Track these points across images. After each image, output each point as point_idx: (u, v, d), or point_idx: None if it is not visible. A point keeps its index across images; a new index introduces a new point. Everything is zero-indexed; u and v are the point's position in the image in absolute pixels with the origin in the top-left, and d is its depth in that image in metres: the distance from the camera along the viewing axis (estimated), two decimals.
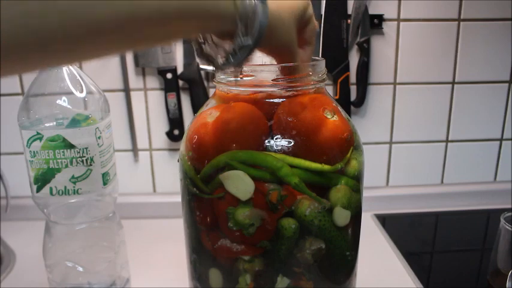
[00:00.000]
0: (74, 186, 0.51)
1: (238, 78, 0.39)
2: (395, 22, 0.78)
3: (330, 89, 0.80)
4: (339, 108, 0.44)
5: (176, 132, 0.80)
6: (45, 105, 0.51)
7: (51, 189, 0.51)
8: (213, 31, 0.33)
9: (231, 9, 0.31)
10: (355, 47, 0.79)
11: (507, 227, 0.53)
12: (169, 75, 0.77)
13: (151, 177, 0.84)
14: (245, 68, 0.40)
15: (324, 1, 0.76)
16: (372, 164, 0.84)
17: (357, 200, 0.43)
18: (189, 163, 0.42)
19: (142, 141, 0.82)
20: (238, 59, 0.33)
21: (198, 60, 0.37)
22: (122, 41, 0.28)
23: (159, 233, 0.77)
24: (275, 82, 0.40)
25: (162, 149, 0.83)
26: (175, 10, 0.28)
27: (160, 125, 0.81)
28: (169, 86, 0.78)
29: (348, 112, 0.81)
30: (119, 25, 0.26)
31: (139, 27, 0.27)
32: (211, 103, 0.45)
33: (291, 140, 0.39)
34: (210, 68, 0.76)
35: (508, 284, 0.49)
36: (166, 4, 0.28)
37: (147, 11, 0.27)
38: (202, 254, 0.45)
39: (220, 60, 0.35)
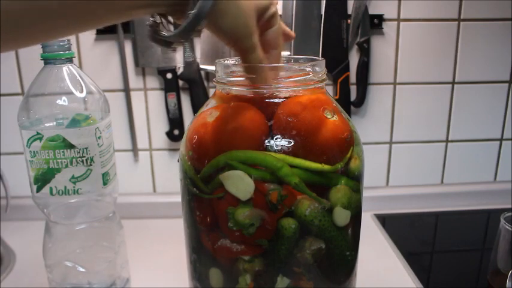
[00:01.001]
0: (74, 186, 0.51)
1: (189, 57, 0.38)
2: (395, 22, 0.78)
3: (330, 89, 0.80)
4: (339, 108, 0.44)
5: (176, 132, 0.80)
6: (45, 105, 0.51)
7: (51, 189, 0.51)
8: (165, 5, 0.33)
9: None
10: (355, 47, 0.79)
11: (507, 227, 0.53)
12: (169, 75, 0.77)
13: (151, 177, 0.84)
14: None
15: (324, 1, 0.76)
16: (372, 164, 0.84)
17: (357, 200, 0.43)
18: (189, 163, 0.42)
19: (142, 141, 0.82)
20: (183, 28, 0.33)
21: (151, 40, 0.37)
22: (72, 19, 0.29)
23: (159, 233, 0.77)
24: (275, 82, 0.40)
25: (162, 149, 0.83)
26: None
27: (160, 125, 0.81)
28: (169, 86, 0.78)
29: (348, 112, 0.81)
30: (64, 5, 0.27)
31: (88, 4, 0.28)
32: (211, 103, 0.45)
33: (291, 140, 0.39)
34: (209, 67, 0.77)
35: (508, 284, 0.49)
36: None
37: None
38: (202, 254, 0.45)
39: (168, 33, 0.35)
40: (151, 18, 0.36)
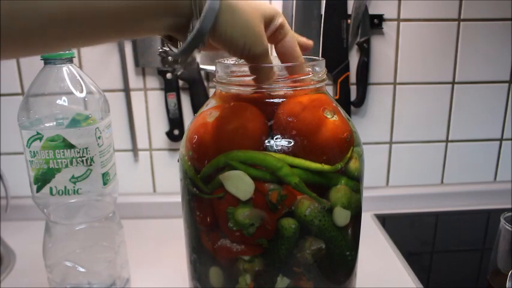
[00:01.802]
0: (74, 186, 0.51)
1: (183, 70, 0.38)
2: (395, 22, 0.78)
3: (330, 89, 0.80)
4: (339, 108, 0.44)
5: (176, 132, 0.80)
6: (45, 105, 0.51)
7: (51, 189, 0.51)
8: (171, 21, 0.33)
9: None
10: (355, 47, 0.79)
11: (507, 227, 0.53)
12: (169, 75, 0.77)
13: (151, 177, 0.84)
14: (245, 68, 0.40)
15: (324, 1, 0.76)
16: (372, 164, 0.84)
17: (357, 200, 0.43)
18: (189, 163, 0.42)
19: (142, 141, 0.82)
20: (186, 44, 0.33)
21: (162, 65, 0.37)
22: (78, 33, 0.29)
23: (159, 233, 0.77)
24: (275, 82, 0.40)
25: (162, 149, 0.83)
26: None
27: (160, 125, 0.81)
28: (169, 86, 0.78)
29: (348, 112, 0.81)
30: (70, 18, 0.27)
31: (92, 20, 0.28)
32: (211, 103, 0.45)
33: (291, 140, 0.39)
34: (210, 68, 0.77)
35: (508, 284, 0.49)
36: None
37: (97, 6, 0.28)
38: (202, 254, 0.45)
39: (174, 50, 0.35)
40: (160, 49, 0.36)
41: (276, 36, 0.40)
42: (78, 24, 0.28)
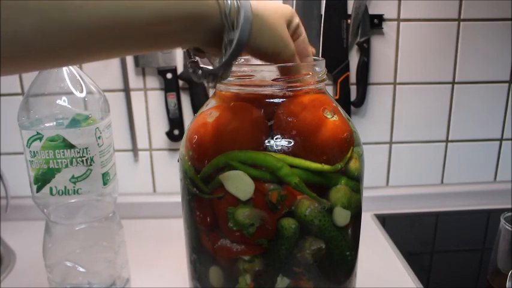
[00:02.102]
0: (74, 186, 0.51)
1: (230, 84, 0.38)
2: (395, 22, 0.78)
3: (330, 89, 0.80)
4: (339, 108, 0.44)
5: (176, 132, 0.80)
6: (45, 105, 0.51)
7: (51, 189, 0.51)
8: (199, 35, 0.32)
9: (215, 8, 0.31)
10: (355, 47, 0.79)
11: (507, 227, 0.53)
12: (169, 75, 0.77)
13: (151, 177, 0.84)
14: (245, 68, 0.40)
15: (324, 1, 0.76)
16: (372, 164, 0.84)
17: (357, 200, 0.43)
18: (189, 163, 0.42)
19: (142, 141, 0.82)
20: (228, 55, 0.33)
21: (195, 79, 0.37)
22: (102, 44, 0.28)
23: (159, 233, 0.77)
24: (275, 82, 0.40)
25: (162, 149, 0.83)
26: (155, 9, 0.28)
27: (160, 125, 0.81)
28: (169, 86, 0.78)
29: (348, 112, 0.81)
30: (98, 29, 0.26)
31: (120, 29, 0.27)
32: (211, 103, 0.45)
33: (291, 140, 0.39)
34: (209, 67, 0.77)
35: (508, 284, 0.49)
36: (147, 4, 0.27)
37: (126, 13, 0.27)
38: (202, 254, 0.45)
39: (212, 66, 0.35)
40: (189, 63, 0.36)
41: (292, 35, 0.40)
42: (106, 38, 0.27)
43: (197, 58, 0.36)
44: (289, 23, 0.39)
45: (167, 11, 0.29)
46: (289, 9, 0.39)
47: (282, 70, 0.40)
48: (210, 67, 0.35)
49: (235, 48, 0.32)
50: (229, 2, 0.31)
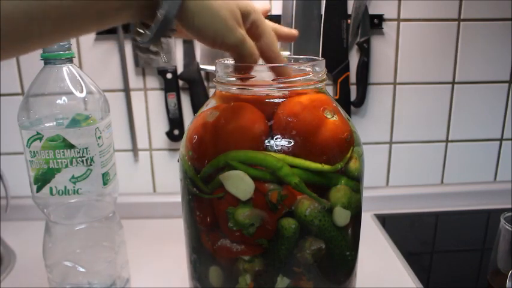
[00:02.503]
0: (74, 186, 0.51)
1: (164, 59, 0.37)
2: (395, 22, 0.78)
3: (330, 89, 0.80)
4: (339, 108, 0.44)
5: (176, 132, 0.80)
6: (45, 105, 0.51)
7: (51, 189, 0.51)
8: (137, 11, 0.33)
9: None
10: (355, 47, 0.79)
11: (507, 227, 0.53)
12: (169, 75, 0.77)
13: (151, 177, 0.84)
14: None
15: (324, 1, 0.76)
16: (372, 164, 0.84)
17: (357, 200, 0.43)
18: (189, 163, 0.42)
19: (142, 141, 0.82)
20: (153, 32, 0.33)
21: (135, 49, 0.38)
22: (50, 27, 0.29)
23: (159, 233, 0.77)
24: (275, 82, 0.40)
25: (162, 149, 0.83)
26: None
27: (160, 125, 0.81)
28: (169, 86, 0.78)
29: (348, 112, 0.81)
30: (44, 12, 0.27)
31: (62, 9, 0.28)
32: (211, 103, 0.45)
33: (291, 140, 0.39)
34: (209, 67, 0.77)
35: (508, 284, 0.49)
36: None
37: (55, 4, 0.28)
38: (202, 254, 0.45)
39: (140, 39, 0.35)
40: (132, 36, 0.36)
41: (252, 33, 0.39)
42: (40, 23, 0.28)
43: (140, 30, 0.36)
44: (244, 15, 0.37)
45: None
46: (246, 4, 0.38)
47: (272, 70, 0.39)
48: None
49: (160, 24, 0.32)
50: None
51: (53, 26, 0.29)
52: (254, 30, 0.39)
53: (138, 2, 0.32)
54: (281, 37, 0.45)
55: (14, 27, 0.27)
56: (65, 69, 0.51)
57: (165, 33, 0.33)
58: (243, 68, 0.40)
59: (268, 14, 0.44)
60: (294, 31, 0.45)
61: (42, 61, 0.51)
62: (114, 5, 0.31)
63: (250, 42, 0.38)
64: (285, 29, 0.45)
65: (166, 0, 0.32)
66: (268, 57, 0.41)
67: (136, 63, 0.77)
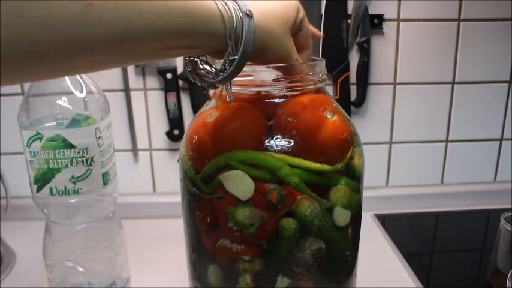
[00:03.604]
0: (74, 186, 0.51)
1: (231, 97, 0.39)
2: (395, 22, 0.78)
3: (330, 89, 0.80)
4: (339, 108, 0.44)
5: (176, 132, 0.80)
6: (45, 105, 0.51)
7: (51, 189, 0.51)
8: (206, 49, 0.34)
9: (221, 27, 0.32)
10: (355, 47, 0.79)
11: (507, 227, 0.53)
12: (169, 75, 0.77)
13: (151, 177, 0.84)
14: (245, 68, 0.40)
15: (324, 1, 0.76)
16: (372, 164, 0.84)
17: (357, 200, 0.43)
18: (189, 163, 0.42)
19: (142, 141, 0.82)
20: (227, 73, 0.34)
21: (190, 77, 0.38)
22: (113, 58, 0.29)
23: (159, 233, 0.77)
24: (275, 82, 0.40)
25: (162, 149, 0.83)
26: (165, 29, 0.29)
27: (160, 125, 0.81)
28: (169, 86, 0.78)
29: (348, 112, 0.81)
30: (110, 44, 0.27)
31: (130, 45, 0.28)
32: (211, 103, 0.45)
33: (291, 140, 0.39)
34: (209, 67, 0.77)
35: (508, 284, 0.49)
36: (157, 24, 0.28)
37: (137, 31, 0.27)
38: (202, 254, 0.45)
39: (211, 76, 0.36)
40: (188, 60, 0.37)
41: (296, 30, 0.40)
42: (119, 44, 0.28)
43: (198, 61, 0.37)
44: (294, 23, 0.39)
45: (175, 28, 0.29)
46: (292, 9, 0.39)
47: (283, 70, 0.40)
48: (208, 67, 0.36)
49: (234, 68, 0.34)
50: (233, 17, 0.32)
51: (121, 52, 0.28)
52: (300, 26, 0.40)
53: (209, 43, 0.32)
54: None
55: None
56: None
57: (243, 66, 0.34)
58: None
59: None
60: (319, 33, 0.47)
61: None
62: (184, 44, 0.31)
63: (301, 63, 0.40)
64: (313, 28, 0.45)
65: (244, 36, 0.32)
66: (304, 47, 0.42)
67: None
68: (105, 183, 0.53)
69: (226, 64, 0.34)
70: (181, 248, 0.51)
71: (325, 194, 0.41)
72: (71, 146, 0.50)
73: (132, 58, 0.30)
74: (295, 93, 0.41)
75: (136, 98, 0.79)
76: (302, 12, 0.40)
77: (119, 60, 0.30)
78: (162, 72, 0.77)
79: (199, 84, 0.38)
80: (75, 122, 0.51)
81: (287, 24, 0.37)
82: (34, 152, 0.50)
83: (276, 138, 0.39)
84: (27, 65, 0.25)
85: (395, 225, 0.80)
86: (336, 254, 0.42)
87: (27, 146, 0.50)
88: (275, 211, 0.39)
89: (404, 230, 0.79)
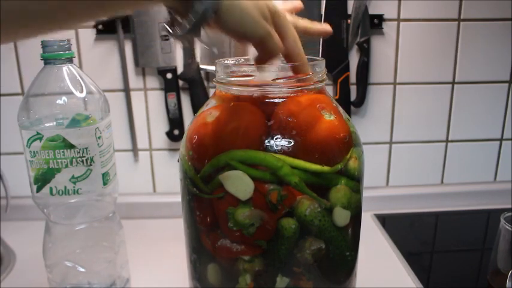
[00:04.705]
0: (74, 186, 0.51)
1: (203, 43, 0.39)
2: (395, 22, 0.78)
3: (330, 89, 0.80)
4: (339, 108, 0.44)
5: (176, 132, 0.80)
6: (45, 105, 0.51)
7: (51, 189, 0.51)
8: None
9: None
10: (355, 47, 0.79)
11: (507, 227, 0.53)
12: (169, 75, 0.77)
13: (151, 177, 0.84)
14: (245, 68, 0.40)
15: (324, 1, 0.76)
16: (372, 164, 0.84)
17: (357, 200, 0.43)
18: (189, 163, 0.42)
19: (142, 141, 0.82)
20: (192, 24, 0.34)
21: (166, 32, 0.39)
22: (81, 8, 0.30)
23: (159, 233, 0.77)
24: (275, 82, 0.40)
25: (162, 149, 0.83)
26: None
27: (160, 125, 0.81)
28: (169, 86, 0.78)
29: (348, 112, 0.81)
30: None
31: None
32: (211, 103, 0.45)
33: (290, 140, 0.39)
34: (209, 68, 0.77)
35: (508, 284, 0.49)
36: None
37: None
38: (202, 254, 0.45)
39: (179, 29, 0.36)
40: (166, 19, 0.37)
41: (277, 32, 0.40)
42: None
43: (173, 19, 0.37)
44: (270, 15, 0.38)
45: None
46: (271, 3, 0.38)
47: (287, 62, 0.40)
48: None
49: (200, 18, 0.34)
50: None
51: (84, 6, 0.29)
52: (277, 31, 0.40)
53: None
54: (314, 33, 0.45)
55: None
56: (65, 69, 0.51)
57: (201, 26, 0.35)
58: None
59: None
60: (327, 27, 0.46)
61: (42, 61, 0.51)
62: None
63: (276, 36, 0.38)
64: (318, 26, 0.45)
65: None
66: (291, 58, 0.41)
67: (136, 63, 0.77)
68: (105, 183, 0.53)
69: (192, 17, 0.34)
70: (181, 248, 0.51)
71: (325, 194, 0.41)
72: (71, 146, 0.50)
73: (102, 7, 0.31)
74: (295, 93, 0.41)
75: (136, 98, 0.79)
76: (279, 15, 0.39)
77: (87, 10, 0.30)
78: (162, 72, 0.77)
79: (173, 38, 0.38)
80: (75, 122, 0.51)
81: (263, 4, 0.37)
82: (34, 152, 0.50)
83: (275, 138, 0.39)
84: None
85: (395, 225, 0.80)
86: (335, 254, 0.42)
87: (27, 146, 0.50)
88: (275, 211, 0.39)
89: (404, 230, 0.79)
